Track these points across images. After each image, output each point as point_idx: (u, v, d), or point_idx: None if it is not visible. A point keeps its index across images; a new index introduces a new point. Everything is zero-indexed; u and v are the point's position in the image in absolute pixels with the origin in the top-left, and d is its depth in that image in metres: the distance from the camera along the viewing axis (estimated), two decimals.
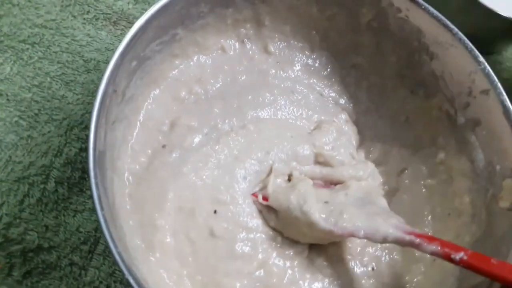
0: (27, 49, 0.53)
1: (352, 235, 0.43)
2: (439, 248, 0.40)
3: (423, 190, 0.52)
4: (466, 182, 0.49)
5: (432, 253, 0.41)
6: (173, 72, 0.49)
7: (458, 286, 0.44)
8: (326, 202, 0.45)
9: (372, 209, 0.45)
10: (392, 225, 0.42)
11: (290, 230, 0.46)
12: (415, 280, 0.48)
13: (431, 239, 0.41)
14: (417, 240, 0.41)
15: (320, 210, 0.44)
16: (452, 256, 0.39)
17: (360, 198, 0.46)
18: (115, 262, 0.33)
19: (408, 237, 0.41)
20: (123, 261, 0.33)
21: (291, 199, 0.45)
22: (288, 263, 0.46)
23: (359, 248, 0.48)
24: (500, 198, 0.44)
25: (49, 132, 0.50)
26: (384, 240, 0.42)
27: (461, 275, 0.44)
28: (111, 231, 0.33)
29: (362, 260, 0.48)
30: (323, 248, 0.48)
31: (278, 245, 0.46)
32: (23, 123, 0.50)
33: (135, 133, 0.46)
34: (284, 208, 0.45)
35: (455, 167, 0.51)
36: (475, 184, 0.48)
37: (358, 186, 0.48)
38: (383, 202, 0.47)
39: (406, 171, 0.54)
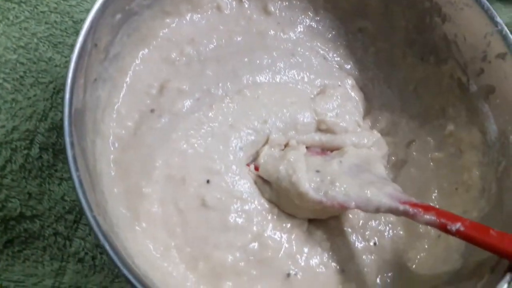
0: (13, 8, 0.50)
1: (343, 206, 0.41)
2: (434, 218, 0.38)
3: (431, 163, 0.50)
4: (476, 155, 0.46)
5: (428, 223, 0.38)
6: (164, 31, 0.45)
7: (463, 263, 0.41)
8: (317, 171, 0.43)
9: (367, 178, 0.42)
10: (386, 194, 0.40)
11: (284, 202, 0.44)
12: (418, 257, 0.45)
13: (426, 208, 0.39)
14: (412, 210, 0.38)
15: (310, 180, 0.42)
16: (449, 226, 0.37)
17: (355, 166, 0.44)
18: (89, 227, 0.30)
19: (402, 207, 0.39)
20: (98, 225, 0.30)
21: (280, 169, 0.43)
22: (285, 236, 0.43)
23: (361, 221, 0.46)
24: None
25: (34, 95, 0.48)
26: (377, 210, 0.40)
27: (466, 251, 0.42)
28: (86, 194, 0.31)
29: (364, 234, 0.46)
30: (323, 221, 0.45)
31: (275, 217, 0.43)
32: (8, 86, 0.48)
33: (121, 95, 0.43)
34: (274, 179, 0.43)
35: (465, 139, 0.48)
36: (486, 157, 0.45)
37: (355, 153, 0.45)
38: (381, 170, 0.44)
39: (414, 143, 0.51)
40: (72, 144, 0.32)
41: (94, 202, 0.32)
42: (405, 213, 0.39)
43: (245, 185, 0.43)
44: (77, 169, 0.31)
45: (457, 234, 0.37)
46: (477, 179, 0.45)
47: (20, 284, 0.43)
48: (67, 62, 0.49)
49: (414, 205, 0.39)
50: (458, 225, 0.37)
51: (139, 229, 0.40)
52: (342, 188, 0.41)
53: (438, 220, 0.38)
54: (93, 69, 0.37)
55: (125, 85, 0.43)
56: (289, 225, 0.44)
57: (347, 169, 0.44)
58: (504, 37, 0.42)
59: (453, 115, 0.48)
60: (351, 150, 0.45)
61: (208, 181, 0.42)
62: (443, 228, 0.37)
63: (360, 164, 0.44)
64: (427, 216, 0.38)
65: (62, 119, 0.32)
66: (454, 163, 0.48)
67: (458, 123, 0.48)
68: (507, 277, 0.35)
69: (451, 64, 0.48)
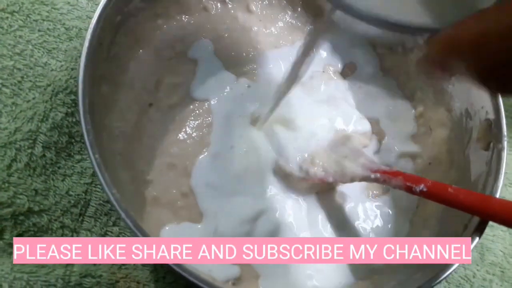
0: (7, 17, 0.53)
1: (323, 180, 0.46)
2: (401, 181, 0.43)
3: None
4: (445, 131, 0.51)
5: (396, 187, 0.43)
6: (157, 32, 0.49)
7: (441, 226, 0.46)
8: (299, 152, 0.48)
9: (342, 151, 0.47)
10: (359, 165, 0.45)
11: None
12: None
13: (394, 174, 0.43)
14: (382, 176, 0.44)
15: (293, 160, 0.47)
16: (413, 188, 0.42)
17: (331, 142, 0.49)
18: (110, 202, 0.33)
19: (373, 175, 0.44)
20: (118, 202, 0.33)
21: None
22: (289, 210, 0.47)
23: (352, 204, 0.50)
24: (477, 140, 0.46)
25: (33, 98, 0.50)
26: (352, 180, 0.45)
27: (441, 216, 0.46)
28: (105, 175, 0.34)
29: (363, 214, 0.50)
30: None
31: (279, 193, 0.47)
32: (6, 91, 0.50)
33: (121, 92, 0.46)
34: None
35: (433, 118, 0.53)
36: (453, 132, 0.50)
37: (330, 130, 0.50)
38: (354, 142, 0.49)
39: None
40: (88, 131, 0.35)
41: (111, 184, 0.35)
42: (376, 180, 0.44)
43: (246, 166, 0.47)
44: (95, 152, 0.34)
45: (421, 194, 0.42)
46: (446, 153, 0.50)
47: (33, 275, 0.45)
48: (63, 66, 0.52)
49: (383, 172, 0.44)
50: (421, 186, 0.41)
51: (145, 213, 0.43)
52: (321, 165, 0.46)
53: (404, 183, 0.42)
54: (98, 66, 0.40)
55: (124, 82, 0.46)
56: (292, 200, 0.47)
57: (325, 146, 0.48)
58: None
59: (422, 97, 0.54)
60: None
61: (208, 166, 0.45)
62: (409, 190, 0.42)
63: (336, 139, 0.49)
64: (395, 180, 0.43)
65: (77, 114, 0.35)
66: (425, 140, 0.53)
67: (426, 105, 0.53)
68: (478, 232, 0.40)
69: (417, 52, 0.53)
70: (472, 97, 0.47)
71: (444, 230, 0.44)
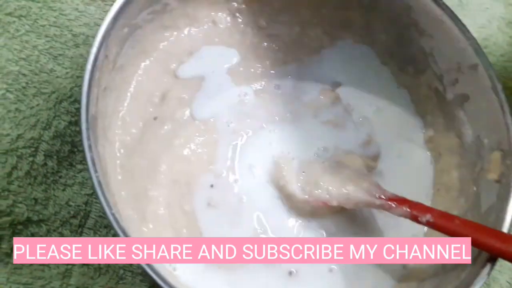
0: (14, 22, 0.52)
1: (327, 204, 0.44)
2: (408, 210, 0.42)
3: None
4: (455, 158, 0.50)
5: (401, 215, 0.42)
6: (163, 44, 0.48)
7: None
8: (303, 172, 0.47)
9: (347, 174, 0.46)
10: (364, 189, 0.44)
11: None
12: None
13: (400, 201, 0.43)
14: (387, 203, 0.43)
15: (297, 181, 0.46)
16: (420, 218, 0.41)
17: (336, 163, 0.48)
18: (109, 225, 0.33)
19: (378, 201, 0.43)
20: (117, 222, 0.32)
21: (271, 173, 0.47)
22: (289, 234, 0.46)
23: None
24: (488, 171, 0.45)
25: (37, 105, 0.49)
26: (356, 206, 0.44)
27: None
28: (105, 194, 0.33)
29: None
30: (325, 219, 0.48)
31: (281, 216, 0.46)
32: (10, 96, 0.49)
33: (125, 104, 0.45)
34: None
35: (443, 144, 0.51)
36: (463, 159, 0.49)
37: (336, 151, 0.49)
38: (359, 165, 0.48)
39: None
40: (90, 147, 0.34)
41: (112, 202, 0.34)
42: (381, 207, 0.43)
43: (249, 187, 0.46)
44: (95, 171, 0.33)
45: (427, 224, 0.41)
46: (456, 180, 0.49)
47: (28, 286, 0.44)
48: (68, 74, 0.52)
49: (389, 199, 0.43)
50: (428, 217, 0.41)
51: (146, 230, 0.42)
52: (325, 188, 0.45)
53: (410, 212, 0.42)
54: (103, 78, 0.39)
55: (129, 94, 0.46)
56: (295, 222, 0.46)
57: (328, 168, 0.47)
58: (475, 50, 0.46)
59: (432, 121, 0.53)
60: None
61: (212, 186, 0.45)
62: (415, 219, 0.42)
63: (342, 161, 0.48)
64: (401, 209, 0.42)
65: (80, 124, 0.34)
66: (434, 166, 0.52)
67: (436, 129, 0.52)
68: (487, 267, 0.39)
69: (429, 74, 0.52)
70: (484, 125, 0.46)
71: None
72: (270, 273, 0.43)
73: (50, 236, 0.46)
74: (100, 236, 0.47)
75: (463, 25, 0.46)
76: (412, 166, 0.52)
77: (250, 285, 0.42)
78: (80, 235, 0.47)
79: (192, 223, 0.43)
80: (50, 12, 0.54)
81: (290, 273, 0.44)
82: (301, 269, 0.44)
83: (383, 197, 0.43)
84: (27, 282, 0.44)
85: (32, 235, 0.45)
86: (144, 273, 0.34)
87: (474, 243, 0.39)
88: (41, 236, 0.46)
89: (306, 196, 0.45)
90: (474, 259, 0.40)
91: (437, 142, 0.52)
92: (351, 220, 0.48)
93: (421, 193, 0.50)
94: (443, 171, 0.51)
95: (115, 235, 0.33)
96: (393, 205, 0.42)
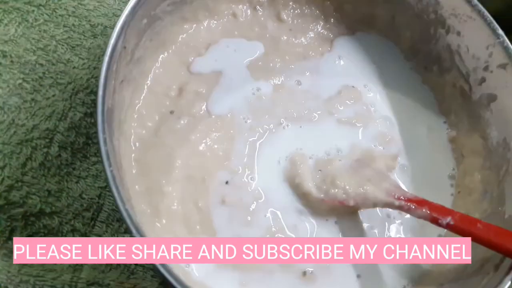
0: (33, 11, 0.52)
1: (343, 203, 0.43)
2: (428, 212, 0.41)
3: None
4: (478, 160, 0.48)
5: (421, 217, 0.41)
6: (182, 36, 0.47)
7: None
8: (320, 170, 0.45)
9: (366, 174, 0.45)
10: (382, 190, 0.43)
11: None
12: None
13: (420, 202, 0.41)
14: (406, 205, 0.42)
15: (313, 179, 0.45)
16: (440, 220, 0.40)
17: (356, 161, 0.46)
18: (122, 219, 0.32)
19: (397, 202, 0.42)
20: (130, 218, 0.32)
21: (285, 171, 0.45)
22: (304, 234, 0.45)
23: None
24: None
25: (53, 96, 0.49)
26: (374, 206, 0.43)
27: (471, 251, 0.44)
28: (119, 189, 0.32)
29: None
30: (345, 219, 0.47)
31: (295, 215, 0.45)
32: (27, 86, 0.49)
33: (142, 97, 0.44)
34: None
35: (466, 145, 0.50)
36: (488, 162, 0.47)
37: (354, 150, 0.47)
38: (379, 164, 0.46)
39: None
40: (105, 140, 0.33)
41: (125, 197, 0.33)
42: (400, 208, 0.42)
43: (264, 185, 0.45)
44: (110, 165, 0.33)
45: (448, 227, 0.40)
46: (478, 183, 0.47)
47: (39, 279, 0.44)
48: (85, 64, 0.51)
49: (408, 200, 0.42)
50: (448, 219, 0.40)
51: (159, 226, 0.41)
52: (342, 187, 0.43)
53: (430, 215, 0.40)
54: (120, 70, 0.38)
55: (146, 87, 0.45)
56: (308, 223, 0.45)
57: (347, 166, 0.46)
58: (506, 48, 0.44)
59: (455, 121, 0.51)
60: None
61: (227, 182, 0.44)
62: (435, 222, 0.40)
63: (361, 159, 0.47)
64: (420, 211, 0.41)
65: (95, 117, 0.34)
66: (457, 167, 0.50)
67: (460, 129, 0.50)
68: (511, 274, 0.37)
69: (454, 73, 0.50)
70: (511, 127, 0.44)
71: (472, 268, 0.42)
72: (284, 273, 0.42)
73: (62, 228, 0.45)
74: (112, 229, 0.46)
75: (494, 22, 0.45)
76: (434, 166, 0.50)
77: (262, 285, 0.41)
78: (93, 228, 0.46)
79: (206, 220, 0.42)
80: (69, 1, 0.53)
81: (304, 273, 0.42)
82: (315, 270, 0.43)
83: (402, 198, 0.42)
84: (38, 275, 0.44)
85: (44, 227, 0.45)
86: (156, 269, 0.33)
87: (497, 249, 0.38)
88: (53, 228, 0.45)
89: (322, 195, 0.44)
90: (496, 265, 0.39)
91: (460, 143, 0.50)
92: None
93: (442, 195, 0.49)
94: (465, 173, 0.49)
95: (128, 229, 0.32)
96: (412, 207, 0.41)
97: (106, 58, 0.35)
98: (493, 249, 0.38)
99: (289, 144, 0.47)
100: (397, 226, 0.47)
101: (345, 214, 0.46)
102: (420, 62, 0.53)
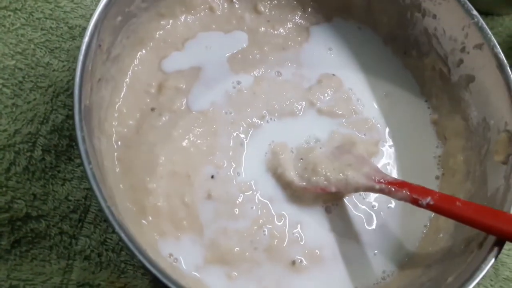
0: (9, 15, 0.52)
1: (325, 190, 0.44)
2: (408, 193, 0.41)
3: None
4: (460, 141, 0.49)
5: (402, 199, 0.41)
6: (160, 32, 0.47)
7: (453, 242, 0.44)
8: (301, 159, 0.46)
9: (346, 159, 0.45)
10: (363, 174, 0.43)
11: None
12: None
13: (400, 185, 0.42)
14: (387, 187, 0.42)
15: (295, 168, 0.45)
16: (420, 201, 0.40)
17: (336, 148, 0.47)
18: (105, 218, 0.32)
19: (378, 186, 0.42)
20: (112, 215, 0.32)
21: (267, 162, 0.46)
22: (290, 225, 0.45)
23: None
24: (495, 152, 0.44)
25: (34, 99, 0.49)
26: (356, 190, 0.44)
27: (455, 232, 0.44)
28: (100, 187, 0.32)
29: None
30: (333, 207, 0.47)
31: (281, 206, 0.45)
32: (7, 91, 0.49)
33: (122, 95, 0.44)
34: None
35: (448, 127, 0.50)
36: (469, 142, 0.48)
37: (336, 137, 0.48)
38: (360, 149, 0.47)
39: None
40: (83, 139, 0.33)
41: (107, 195, 0.33)
42: (381, 191, 0.43)
43: (249, 177, 0.45)
44: (89, 162, 0.33)
45: (428, 207, 0.40)
46: (461, 164, 0.48)
47: (29, 283, 0.44)
48: (65, 67, 0.51)
49: (389, 183, 0.42)
50: (428, 199, 0.40)
51: (145, 223, 0.41)
52: (323, 174, 0.44)
53: (410, 196, 0.41)
54: (97, 69, 0.38)
55: (125, 85, 0.45)
56: (296, 212, 0.45)
57: (328, 153, 0.46)
58: (480, 29, 0.44)
59: (437, 104, 0.51)
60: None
61: (212, 177, 0.44)
62: (416, 203, 0.41)
63: (341, 146, 0.47)
64: (401, 193, 0.41)
65: (72, 116, 0.34)
66: (441, 150, 0.50)
67: (442, 112, 0.51)
68: (495, 251, 0.38)
69: (433, 56, 0.50)
70: (490, 106, 0.45)
71: (457, 247, 0.42)
72: (272, 263, 0.42)
73: (50, 231, 0.45)
74: (100, 230, 0.46)
75: (468, 3, 0.45)
76: (419, 150, 0.50)
77: (251, 276, 0.41)
78: (81, 229, 0.46)
79: (192, 215, 0.42)
80: (46, 4, 0.53)
81: (293, 262, 0.43)
82: (305, 260, 0.44)
83: (382, 181, 0.42)
84: (27, 279, 0.44)
85: (32, 230, 0.45)
86: (143, 265, 0.33)
87: (479, 226, 0.38)
88: (40, 231, 0.45)
89: (304, 183, 0.44)
90: (480, 243, 0.39)
91: (443, 125, 0.51)
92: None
93: (428, 177, 0.49)
94: (449, 155, 0.50)
95: (110, 226, 0.32)
96: (393, 189, 0.42)
97: (81, 57, 0.35)
98: (474, 227, 0.38)
99: (272, 136, 0.48)
100: (384, 212, 0.48)
101: (332, 202, 0.47)
102: (399, 47, 0.53)
